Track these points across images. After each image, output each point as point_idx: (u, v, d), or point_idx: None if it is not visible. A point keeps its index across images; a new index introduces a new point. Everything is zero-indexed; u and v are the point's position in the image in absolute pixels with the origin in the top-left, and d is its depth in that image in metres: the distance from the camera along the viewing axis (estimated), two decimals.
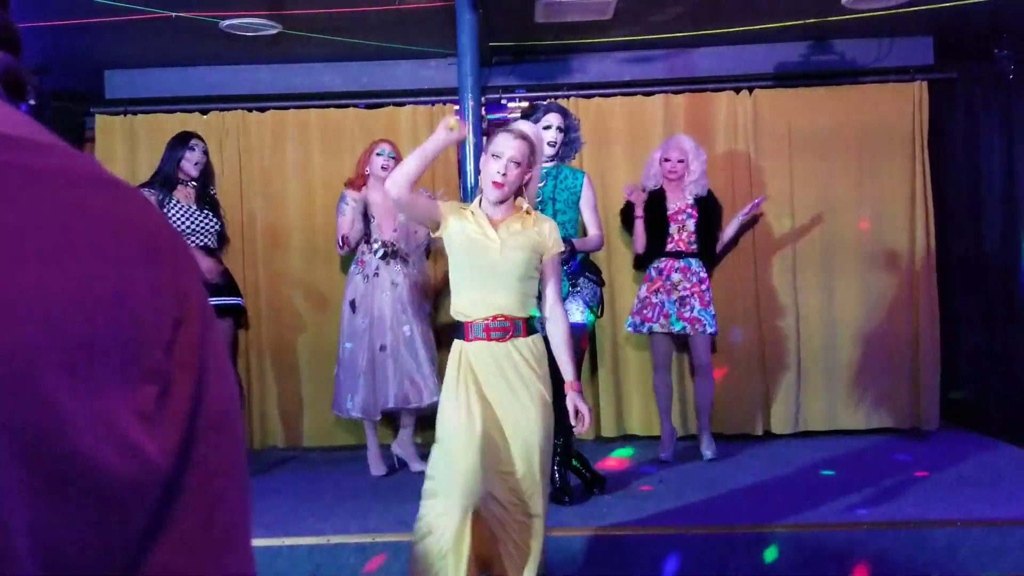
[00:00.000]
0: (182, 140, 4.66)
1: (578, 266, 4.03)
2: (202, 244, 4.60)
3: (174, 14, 4.30)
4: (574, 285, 3.99)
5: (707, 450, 4.66)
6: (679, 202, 4.70)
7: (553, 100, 5.01)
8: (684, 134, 4.84)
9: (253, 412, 5.26)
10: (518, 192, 2.84)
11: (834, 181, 5.22)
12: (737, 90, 5.27)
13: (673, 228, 4.68)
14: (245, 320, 5.14)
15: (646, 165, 4.82)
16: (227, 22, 4.51)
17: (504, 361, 2.71)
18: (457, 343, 2.78)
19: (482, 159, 2.85)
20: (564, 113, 4.04)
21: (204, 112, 5.34)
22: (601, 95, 5.29)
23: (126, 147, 5.30)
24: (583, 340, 4.12)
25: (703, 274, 4.66)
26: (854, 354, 5.20)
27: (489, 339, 2.71)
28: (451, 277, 2.83)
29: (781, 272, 5.20)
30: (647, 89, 5.28)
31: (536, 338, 2.79)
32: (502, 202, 2.79)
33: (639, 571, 3.38)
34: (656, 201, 4.71)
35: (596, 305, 4.09)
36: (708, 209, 4.75)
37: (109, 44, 4.85)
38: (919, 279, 5.17)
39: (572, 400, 2.78)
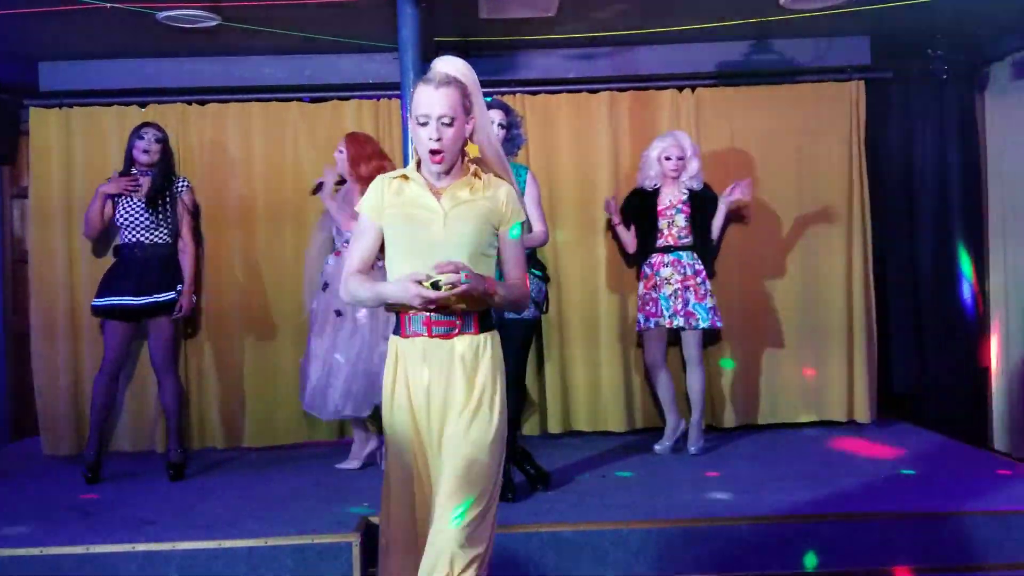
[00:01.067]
0: (135, 128, 4.63)
1: None
2: (135, 240, 4.51)
3: (110, 4, 4.20)
4: None
5: (692, 445, 4.71)
6: (672, 197, 4.70)
7: (498, 96, 5.01)
8: (679, 131, 4.86)
9: (192, 413, 5.17)
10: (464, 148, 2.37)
11: (774, 179, 5.29)
12: (680, 88, 5.31)
13: (662, 223, 4.69)
14: (181, 322, 4.92)
15: (643, 165, 4.79)
16: (164, 13, 4.42)
17: (446, 364, 2.28)
18: (393, 341, 2.35)
19: (409, 123, 2.35)
20: (506, 110, 4.03)
21: (143, 105, 5.23)
22: (547, 91, 5.30)
23: (61, 140, 5.17)
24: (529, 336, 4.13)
25: (698, 266, 4.65)
26: (793, 349, 5.28)
27: (431, 335, 2.27)
28: (387, 262, 2.37)
29: (721, 269, 5.24)
30: (592, 86, 5.30)
31: (491, 338, 2.34)
32: (448, 171, 2.33)
33: (582, 567, 3.39)
34: (648, 199, 4.73)
35: (542, 301, 4.10)
36: (701, 202, 4.73)
37: (43, 35, 4.74)
38: (855, 274, 5.26)
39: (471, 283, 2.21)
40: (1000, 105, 5.39)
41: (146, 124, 4.65)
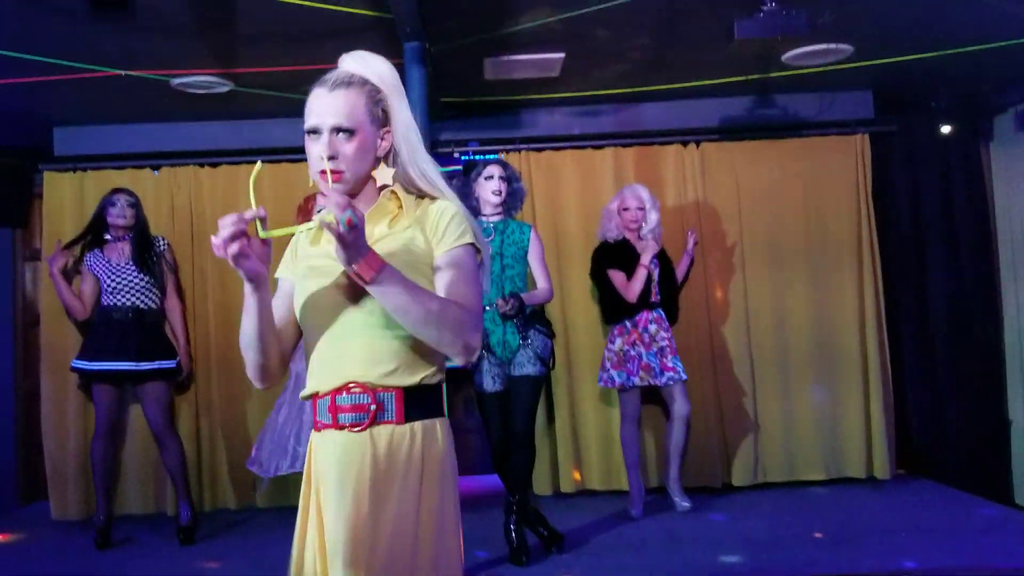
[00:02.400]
0: (107, 195, 4.71)
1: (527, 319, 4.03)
2: (129, 303, 4.56)
3: (124, 72, 4.29)
4: (524, 338, 3.99)
5: (684, 501, 4.61)
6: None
7: (502, 153, 5.11)
8: (638, 184, 4.85)
9: (203, 474, 5.14)
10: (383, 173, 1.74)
11: (782, 232, 5.29)
12: (685, 143, 5.35)
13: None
14: (186, 381, 5.03)
15: (604, 217, 4.78)
16: (178, 80, 4.51)
17: (357, 473, 1.62)
18: (311, 440, 1.76)
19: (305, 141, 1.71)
20: (504, 164, 4.12)
21: (156, 168, 5.31)
22: (552, 148, 5.35)
23: (75, 204, 5.23)
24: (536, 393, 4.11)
25: (667, 323, 4.66)
26: (809, 405, 5.22)
27: (336, 425, 1.65)
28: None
29: (734, 325, 5.23)
30: (596, 142, 5.35)
31: (425, 431, 1.66)
32: (351, 196, 1.69)
33: None
34: (627, 252, 4.67)
35: (548, 357, 4.08)
36: (665, 260, 4.77)
37: (58, 101, 4.83)
38: (868, 326, 5.22)
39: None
40: (1005, 156, 5.41)
41: (117, 190, 4.72)
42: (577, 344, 5.20)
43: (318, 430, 1.70)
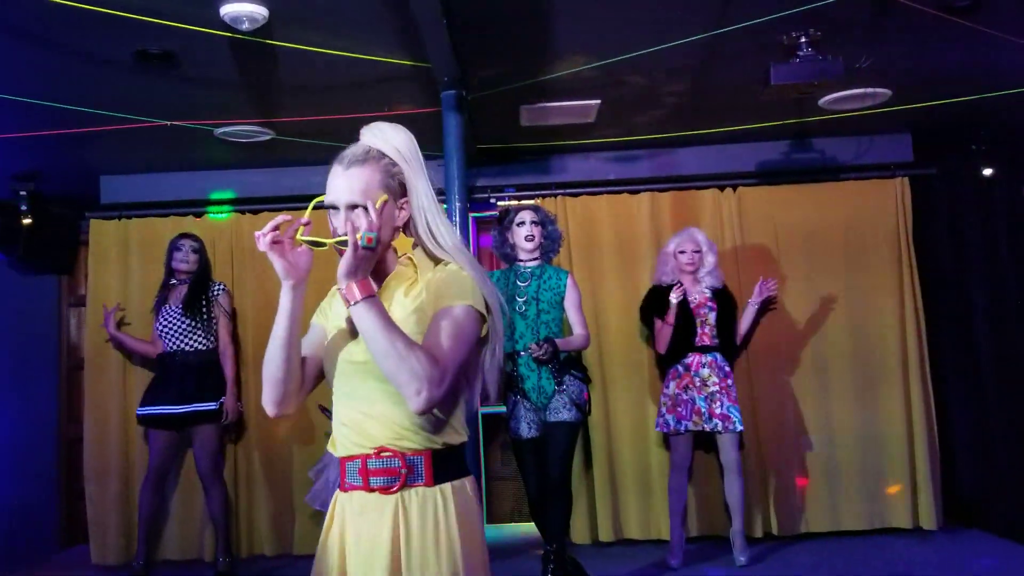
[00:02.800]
0: (173, 240, 4.82)
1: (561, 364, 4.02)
2: (177, 347, 4.62)
3: (169, 123, 4.39)
4: (559, 383, 3.97)
5: (741, 555, 4.45)
6: (698, 295, 4.64)
7: (538, 199, 5.13)
8: (695, 227, 4.83)
9: (241, 519, 5.14)
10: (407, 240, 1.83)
11: (822, 277, 5.22)
12: (721, 187, 5.32)
13: (696, 322, 4.61)
14: (234, 425, 5.00)
15: (659, 260, 4.76)
16: (221, 129, 4.61)
17: (386, 529, 1.66)
18: (335, 498, 1.80)
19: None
20: (536, 208, 4.16)
21: (199, 215, 5.41)
22: (588, 193, 5.36)
23: (120, 251, 5.34)
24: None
25: (727, 368, 4.56)
26: (852, 454, 5.09)
27: (368, 488, 1.69)
28: None
29: (775, 371, 5.14)
30: (632, 187, 5.35)
31: (455, 492, 1.71)
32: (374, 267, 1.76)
33: None
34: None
35: (584, 403, 4.06)
36: (726, 301, 4.69)
37: (105, 151, 4.95)
38: (912, 375, 5.10)
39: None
40: None
41: (183, 236, 4.84)
42: (614, 390, 5.14)
43: (345, 490, 1.74)
